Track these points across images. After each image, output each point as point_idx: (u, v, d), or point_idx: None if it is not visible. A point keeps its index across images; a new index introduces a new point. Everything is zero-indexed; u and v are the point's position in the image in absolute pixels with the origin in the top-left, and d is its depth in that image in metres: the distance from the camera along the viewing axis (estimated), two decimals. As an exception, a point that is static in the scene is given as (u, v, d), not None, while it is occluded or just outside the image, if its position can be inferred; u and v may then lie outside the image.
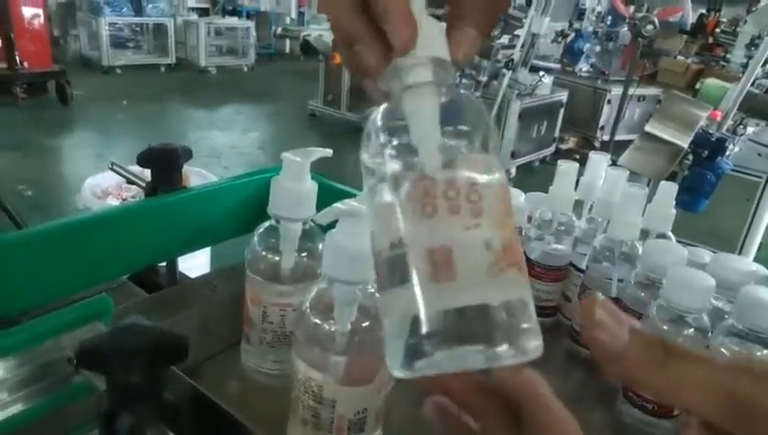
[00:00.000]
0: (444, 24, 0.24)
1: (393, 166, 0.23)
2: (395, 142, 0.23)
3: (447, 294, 0.21)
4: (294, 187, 0.45)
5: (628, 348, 0.20)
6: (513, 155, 3.63)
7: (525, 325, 0.22)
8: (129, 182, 0.76)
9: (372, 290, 0.37)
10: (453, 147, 0.22)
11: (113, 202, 1.76)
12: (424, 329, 0.21)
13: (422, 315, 0.21)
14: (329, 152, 0.46)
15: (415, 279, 0.21)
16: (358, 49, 0.23)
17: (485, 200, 0.22)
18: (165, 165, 0.61)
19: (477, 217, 0.21)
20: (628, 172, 0.58)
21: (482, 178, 0.22)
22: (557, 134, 4.00)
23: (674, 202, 0.54)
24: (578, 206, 0.60)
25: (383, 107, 0.24)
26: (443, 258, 0.21)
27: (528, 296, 0.22)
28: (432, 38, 0.23)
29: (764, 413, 0.18)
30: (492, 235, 0.22)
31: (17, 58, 4.06)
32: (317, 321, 0.37)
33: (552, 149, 3.95)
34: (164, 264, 0.68)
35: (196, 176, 1.81)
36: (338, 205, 0.36)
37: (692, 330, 0.45)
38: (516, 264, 0.22)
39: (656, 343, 0.20)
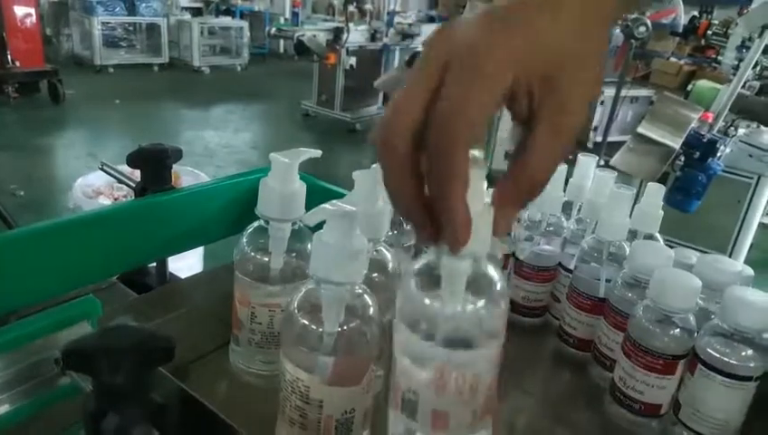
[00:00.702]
0: (492, 211, 0.27)
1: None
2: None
3: None
4: (283, 188, 0.45)
5: None
6: (506, 155, 3.63)
7: None
8: (120, 182, 0.76)
9: (360, 291, 0.37)
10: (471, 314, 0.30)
11: (105, 202, 1.75)
12: None
13: None
14: (317, 153, 0.46)
15: (418, 419, 0.31)
16: (412, 225, 0.28)
17: (482, 385, 0.31)
18: (155, 165, 0.61)
19: (473, 397, 0.31)
20: (617, 173, 0.58)
21: (485, 372, 0.31)
22: (550, 135, 4.01)
23: (661, 203, 0.55)
24: (567, 207, 0.60)
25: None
26: (442, 419, 0.31)
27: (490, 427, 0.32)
28: (480, 232, 0.26)
29: None
30: (478, 406, 0.31)
31: (9, 57, 4.03)
32: (305, 321, 0.37)
33: (545, 149, 3.96)
34: (154, 264, 0.68)
35: (188, 175, 1.81)
36: (326, 205, 0.36)
37: (678, 330, 0.45)
38: (489, 411, 0.32)
39: None
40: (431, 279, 0.30)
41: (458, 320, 0.30)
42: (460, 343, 0.30)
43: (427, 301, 0.30)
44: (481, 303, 0.30)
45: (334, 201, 0.36)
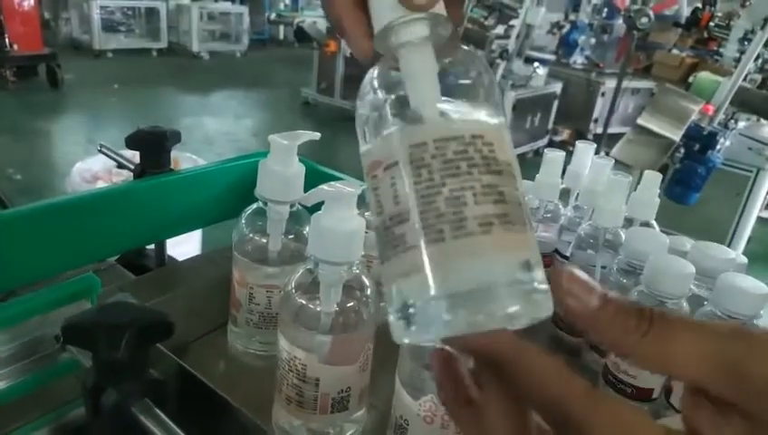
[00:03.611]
0: None
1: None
2: (391, 106, 0.22)
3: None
4: (282, 169, 0.45)
5: (599, 314, 0.19)
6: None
7: (539, 285, 0.20)
8: (120, 166, 0.76)
9: (357, 271, 0.38)
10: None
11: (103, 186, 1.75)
12: (434, 288, 0.19)
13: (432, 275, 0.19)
14: (316, 135, 0.46)
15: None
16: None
17: None
18: (153, 147, 0.61)
19: None
20: (614, 161, 0.58)
21: None
22: (551, 126, 4.01)
23: (658, 191, 0.55)
24: (565, 194, 0.61)
25: (375, 69, 0.23)
26: None
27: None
28: None
29: (764, 379, 0.17)
30: None
31: (7, 40, 4.00)
32: (302, 301, 0.38)
33: (545, 140, 3.96)
34: (152, 247, 0.69)
35: (187, 162, 1.81)
36: (323, 187, 0.36)
37: (671, 315, 0.46)
38: None
39: (631, 311, 0.19)
40: None
41: None
42: None
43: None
44: None
45: (332, 182, 0.37)
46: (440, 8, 0.22)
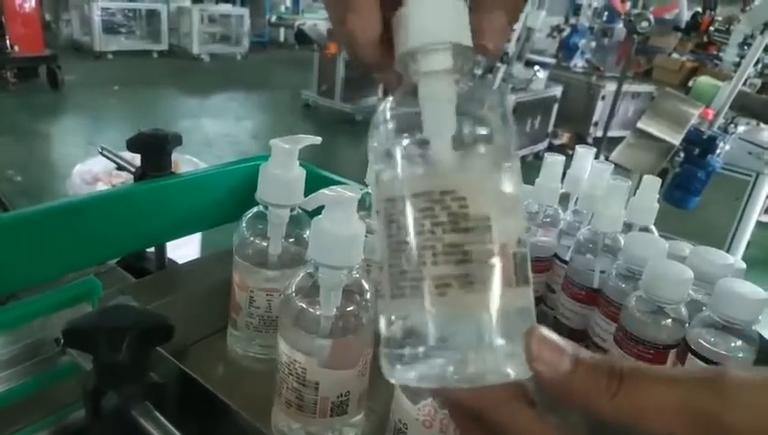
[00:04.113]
0: (464, 4, 0.22)
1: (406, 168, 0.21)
2: (406, 137, 0.21)
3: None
4: (283, 173, 0.45)
5: (570, 378, 0.19)
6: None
7: (501, 344, 0.20)
8: (120, 168, 0.76)
9: (357, 275, 0.38)
10: (469, 143, 0.21)
11: (103, 188, 1.75)
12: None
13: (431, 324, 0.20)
14: (317, 140, 0.46)
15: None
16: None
17: None
18: (154, 150, 0.61)
19: None
20: (613, 166, 0.58)
21: None
22: (550, 129, 4.02)
23: (657, 196, 0.55)
24: (564, 198, 0.61)
25: (395, 94, 0.22)
26: None
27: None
28: (452, 20, 0.21)
29: (735, 427, 0.17)
30: None
31: (8, 42, 4.01)
32: (302, 304, 0.38)
33: (545, 144, 3.97)
34: (152, 249, 0.69)
35: (187, 164, 1.81)
36: (324, 191, 0.36)
37: (669, 321, 0.46)
38: None
39: (601, 371, 0.19)
40: None
41: None
42: None
43: None
44: None
45: (333, 187, 0.37)
46: (467, 39, 0.22)
